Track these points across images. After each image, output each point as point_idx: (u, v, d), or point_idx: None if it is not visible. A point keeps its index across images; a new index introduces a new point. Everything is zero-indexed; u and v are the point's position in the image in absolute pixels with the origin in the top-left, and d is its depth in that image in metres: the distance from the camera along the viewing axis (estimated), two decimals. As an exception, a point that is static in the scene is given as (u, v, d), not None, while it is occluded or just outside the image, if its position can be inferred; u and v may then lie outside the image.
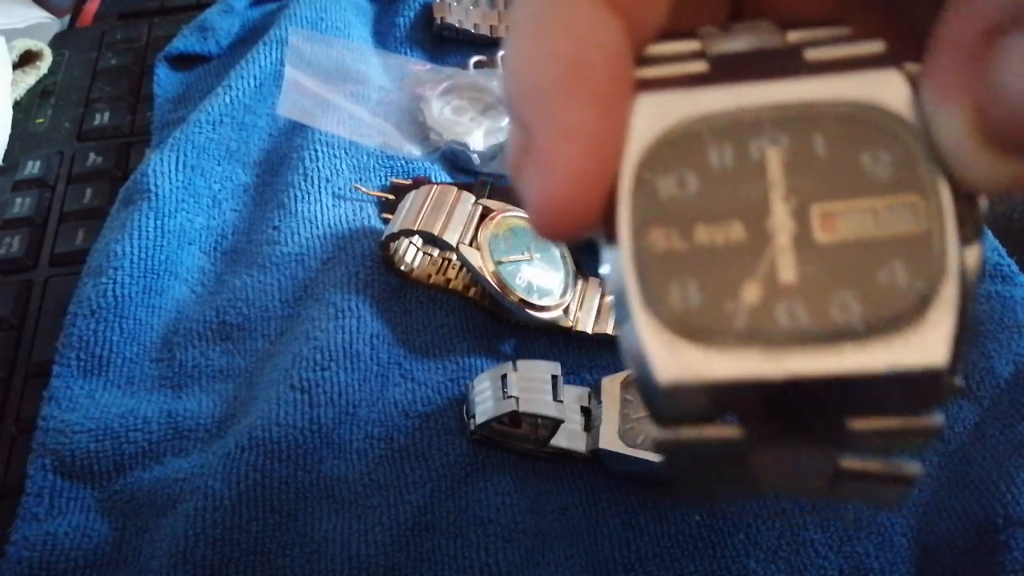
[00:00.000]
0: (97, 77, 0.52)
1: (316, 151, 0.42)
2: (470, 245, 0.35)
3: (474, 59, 0.49)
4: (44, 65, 0.53)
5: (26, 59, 0.53)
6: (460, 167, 0.44)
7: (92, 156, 0.47)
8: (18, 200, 0.44)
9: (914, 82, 0.14)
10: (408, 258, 0.39)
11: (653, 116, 0.15)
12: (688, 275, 0.14)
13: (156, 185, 0.40)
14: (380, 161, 0.43)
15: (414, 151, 0.44)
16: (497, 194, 0.40)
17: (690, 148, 0.15)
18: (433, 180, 0.42)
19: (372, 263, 0.38)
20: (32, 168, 0.46)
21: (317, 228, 0.40)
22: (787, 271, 0.14)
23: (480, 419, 0.32)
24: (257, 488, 0.31)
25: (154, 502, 0.32)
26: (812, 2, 0.17)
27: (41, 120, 0.50)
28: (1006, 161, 0.13)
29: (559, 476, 0.32)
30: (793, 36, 0.15)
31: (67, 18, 0.60)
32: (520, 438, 0.33)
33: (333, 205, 0.41)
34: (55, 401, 0.34)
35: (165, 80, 0.50)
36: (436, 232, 0.35)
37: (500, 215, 0.36)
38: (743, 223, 0.14)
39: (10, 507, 0.32)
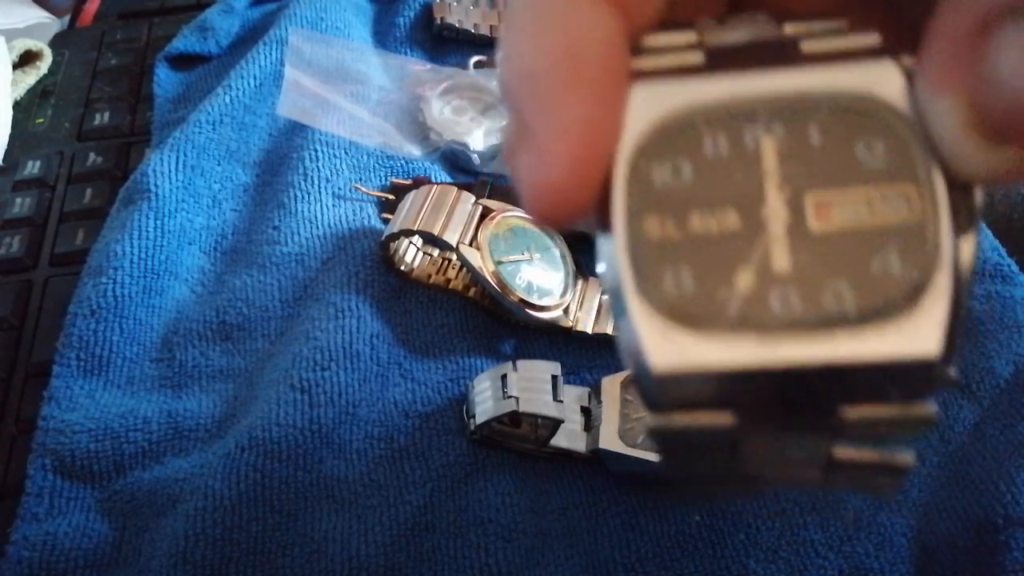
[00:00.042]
0: (97, 77, 0.52)
1: (316, 151, 0.42)
2: (470, 245, 0.35)
3: (474, 59, 0.49)
4: (44, 65, 0.53)
5: (26, 59, 0.53)
6: (460, 167, 0.44)
7: (92, 156, 0.47)
8: (18, 200, 0.44)
9: (909, 74, 0.14)
10: (408, 258, 0.39)
11: (648, 105, 0.15)
12: (682, 262, 0.14)
13: (156, 185, 0.40)
14: (380, 161, 0.43)
15: (414, 151, 0.44)
16: (497, 194, 0.40)
17: (685, 137, 0.15)
18: (433, 180, 0.42)
19: (372, 263, 0.38)
20: (32, 168, 0.46)
21: (317, 228, 0.40)
22: (781, 259, 0.14)
23: (480, 419, 0.32)
24: (257, 488, 0.31)
25: (154, 502, 0.32)
26: None
27: (41, 120, 0.50)
28: (999, 151, 0.13)
29: (559, 476, 0.32)
30: (790, 29, 0.15)
31: (67, 18, 0.60)
32: (520, 438, 0.33)
33: (333, 205, 0.41)
34: (55, 401, 0.34)
35: (165, 80, 0.50)
36: (436, 232, 0.35)
37: (500, 215, 0.36)
38: (737, 211, 0.14)
39: (10, 507, 0.32)
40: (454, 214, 0.36)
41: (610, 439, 0.31)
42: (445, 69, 0.47)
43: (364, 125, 0.44)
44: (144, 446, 0.33)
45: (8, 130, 0.49)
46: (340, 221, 0.40)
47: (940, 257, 0.14)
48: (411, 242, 0.39)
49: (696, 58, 0.15)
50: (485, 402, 0.32)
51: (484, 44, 0.50)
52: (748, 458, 0.16)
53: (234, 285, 0.38)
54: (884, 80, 0.15)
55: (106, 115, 0.49)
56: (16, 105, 0.51)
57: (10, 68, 0.50)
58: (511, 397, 0.31)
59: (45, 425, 0.33)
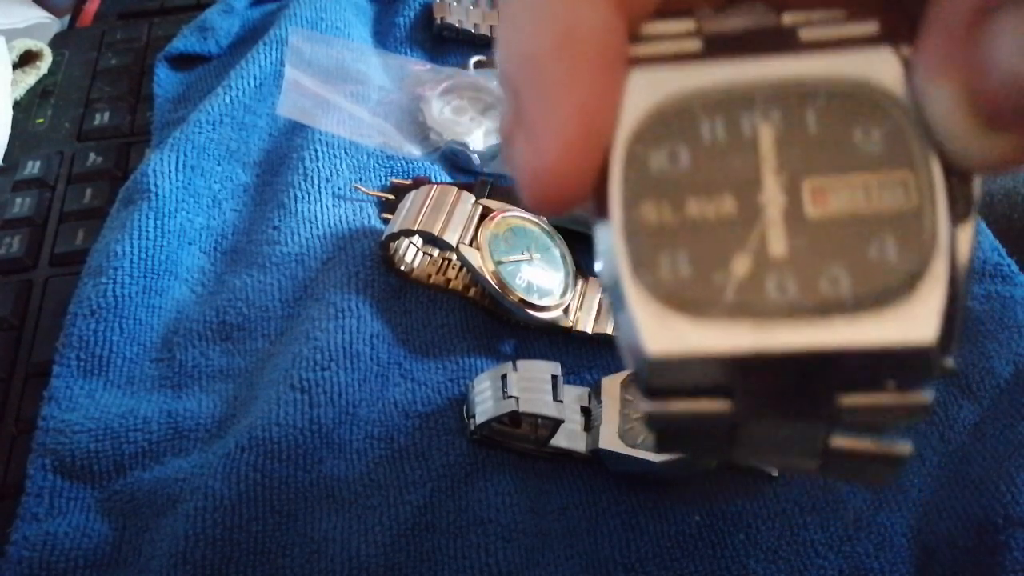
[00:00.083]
0: (97, 77, 0.52)
1: (316, 151, 0.42)
2: (470, 245, 0.35)
3: (474, 59, 0.49)
4: (44, 65, 0.53)
5: (26, 59, 0.53)
6: (460, 167, 0.44)
7: (92, 156, 0.47)
8: (18, 200, 0.44)
9: (907, 62, 0.14)
10: (408, 258, 0.39)
11: (645, 91, 0.15)
12: (679, 248, 0.14)
13: (156, 185, 0.40)
14: (380, 161, 0.43)
15: (414, 151, 0.44)
16: (497, 194, 0.40)
17: (682, 123, 0.15)
18: (433, 180, 0.42)
19: (372, 263, 0.38)
20: (32, 168, 0.46)
21: (317, 228, 0.40)
22: (777, 245, 0.14)
23: (480, 419, 0.32)
24: (257, 488, 0.31)
25: (154, 502, 0.32)
26: None
27: (41, 120, 0.50)
28: (995, 137, 0.13)
29: (559, 476, 0.32)
30: (788, 17, 0.15)
31: (67, 18, 0.60)
32: (520, 438, 0.33)
33: (333, 205, 0.41)
34: (55, 401, 0.34)
35: (165, 80, 0.50)
36: (436, 232, 0.35)
37: (500, 215, 0.36)
38: (734, 197, 0.14)
39: (10, 507, 0.32)
40: (454, 214, 0.36)
41: (610, 439, 0.31)
42: (445, 69, 0.47)
43: (364, 125, 0.44)
44: (144, 446, 0.33)
45: (8, 130, 0.49)
46: (340, 221, 0.40)
47: (937, 245, 0.14)
48: (411, 242, 0.39)
49: (694, 45, 0.15)
50: (485, 402, 0.32)
51: (484, 44, 0.50)
52: (745, 445, 0.16)
53: (234, 285, 0.38)
54: (882, 67, 0.15)
55: (106, 115, 0.49)
56: (16, 105, 0.51)
57: (10, 68, 0.50)
58: (511, 397, 0.31)
59: (45, 425, 0.33)
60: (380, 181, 0.43)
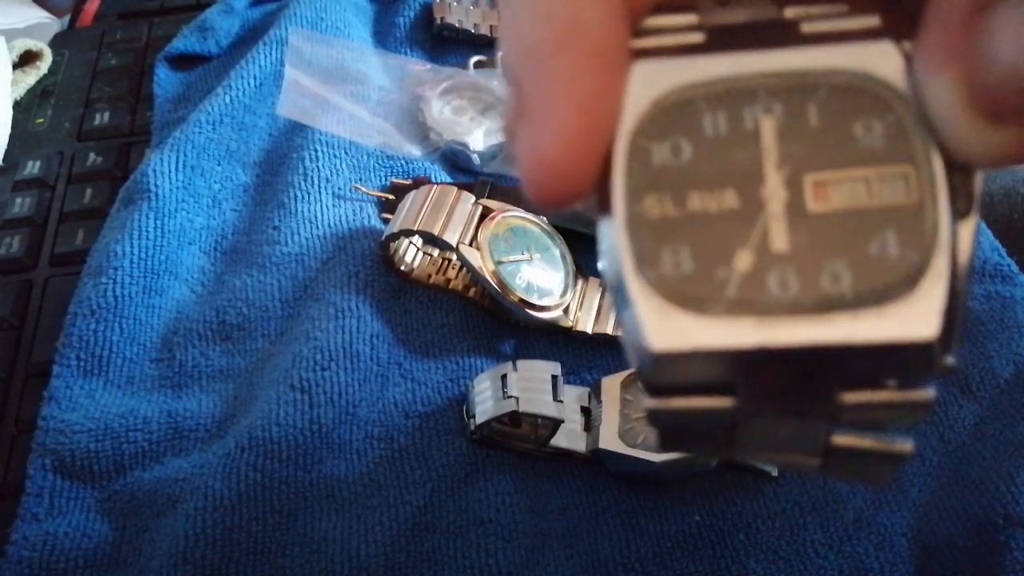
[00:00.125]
0: (97, 77, 0.52)
1: (316, 151, 0.42)
2: (470, 245, 0.35)
3: (474, 59, 0.49)
4: (44, 65, 0.53)
5: (26, 59, 0.53)
6: (460, 167, 0.44)
7: (92, 156, 0.47)
8: (18, 200, 0.44)
9: (908, 56, 0.14)
10: (408, 258, 0.39)
11: (648, 83, 0.15)
12: (681, 242, 0.14)
13: (156, 185, 0.40)
14: (380, 161, 0.43)
15: (414, 151, 0.44)
16: (497, 194, 0.40)
17: (684, 116, 0.15)
18: (433, 180, 0.42)
19: (372, 263, 0.38)
20: (32, 168, 0.46)
21: (317, 228, 0.40)
22: (779, 240, 0.14)
23: (480, 419, 0.32)
24: (257, 488, 0.31)
25: (154, 502, 0.32)
26: None
27: (41, 120, 0.50)
28: (996, 131, 0.13)
29: (559, 476, 0.32)
30: (790, 11, 0.15)
31: (67, 18, 0.60)
32: (520, 438, 0.33)
33: (333, 205, 0.41)
34: (55, 401, 0.34)
35: (165, 80, 0.50)
36: (436, 232, 0.35)
37: (500, 215, 0.36)
38: (736, 191, 0.14)
39: (10, 507, 0.32)
40: (454, 214, 0.36)
41: (610, 439, 0.31)
42: (445, 69, 0.47)
43: (364, 125, 0.44)
44: (144, 446, 0.33)
45: (8, 130, 0.49)
46: (340, 221, 0.40)
47: (938, 240, 0.14)
48: (411, 242, 0.39)
49: (696, 38, 0.15)
50: (485, 402, 0.32)
51: (484, 44, 0.50)
52: (746, 443, 0.16)
53: (234, 285, 0.38)
54: (883, 60, 0.15)
55: (106, 115, 0.49)
56: (16, 105, 0.51)
57: (10, 68, 0.50)
58: (511, 397, 0.31)
59: (45, 425, 0.33)
60: (380, 181, 0.43)
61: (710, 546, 0.30)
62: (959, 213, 0.14)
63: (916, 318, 0.13)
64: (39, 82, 0.52)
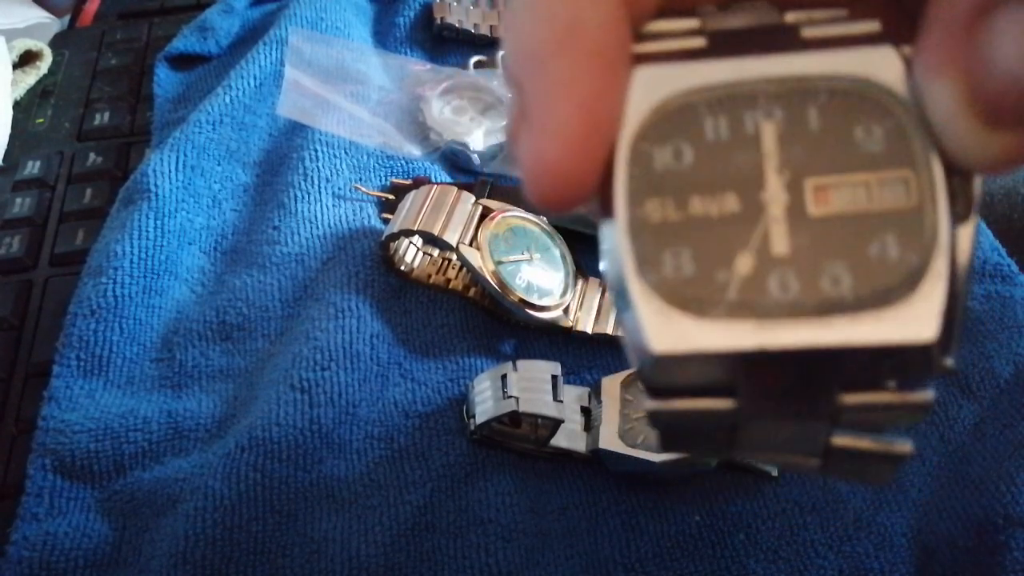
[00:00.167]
0: (97, 77, 0.52)
1: (316, 151, 0.42)
2: (470, 245, 0.35)
3: (474, 59, 0.49)
4: (44, 65, 0.53)
5: (26, 59, 0.53)
6: (460, 167, 0.44)
7: (92, 156, 0.47)
8: (18, 200, 0.44)
9: (908, 61, 0.15)
10: (408, 258, 0.39)
11: (650, 88, 0.15)
12: (682, 245, 0.14)
13: (156, 185, 0.40)
14: (380, 161, 0.43)
15: (414, 151, 0.44)
16: (497, 194, 0.40)
17: (686, 120, 0.15)
18: (433, 180, 0.42)
19: (372, 263, 0.38)
20: (32, 168, 0.46)
21: (317, 228, 0.40)
22: (780, 243, 0.14)
23: (480, 419, 0.32)
24: (257, 488, 0.31)
25: (154, 502, 0.32)
26: None
27: (41, 120, 0.50)
28: (995, 136, 0.13)
29: (559, 476, 0.32)
30: (791, 16, 0.16)
31: (67, 18, 0.60)
32: (520, 438, 0.33)
33: (333, 205, 0.41)
34: (55, 401, 0.34)
35: (165, 80, 0.50)
36: (436, 232, 0.35)
37: (500, 215, 0.36)
38: (737, 195, 0.14)
39: (10, 507, 0.32)
40: (454, 214, 0.36)
41: (610, 439, 0.31)
42: (445, 69, 0.47)
43: (364, 125, 0.44)
44: (144, 446, 0.33)
45: (8, 130, 0.49)
46: (340, 221, 0.40)
47: (937, 243, 0.14)
48: (411, 242, 0.39)
49: (698, 43, 0.15)
50: (485, 402, 0.32)
51: (484, 44, 0.50)
52: (747, 444, 0.16)
53: (234, 285, 0.38)
54: (883, 65, 0.15)
55: (106, 115, 0.49)
56: (16, 105, 0.51)
57: (10, 68, 0.50)
58: (511, 397, 0.31)
59: (45, 425, 0.33)
60: (380, 181, 0.43)
61: (710, 546, 0.30)
62: (958, 216, 0.14)
63: (915, 320, 0.13)
64: (39, 82, 0.52)
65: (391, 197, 0.41)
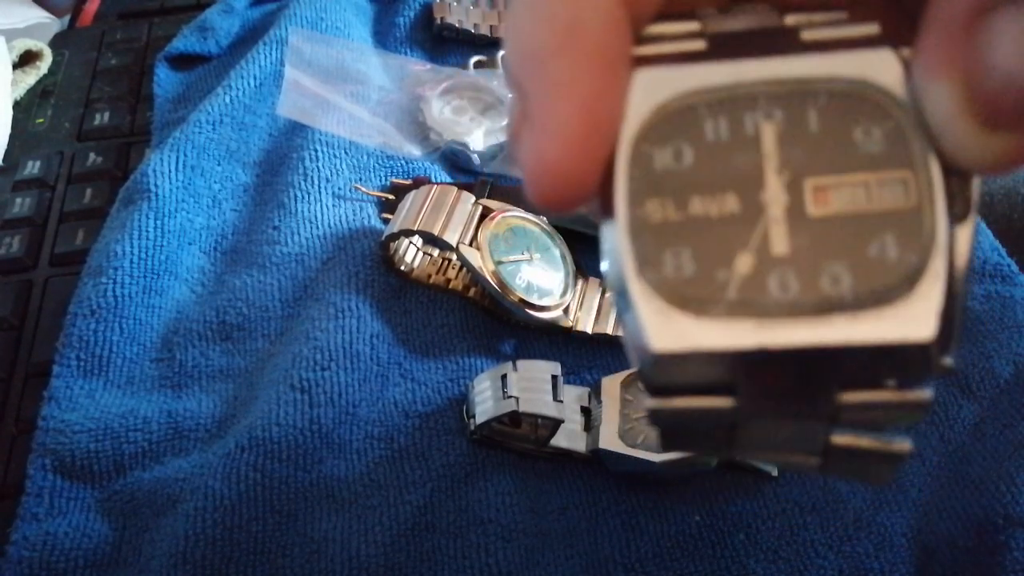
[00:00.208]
0: (97, 77, 0.52)
1: (316, 151, 0.42)
2: (470, 245, 0.35)
3: (474, 59, 0.49)
4: (44, 65, 0.53)
5: (26, 59, 0.53)
6: (460, 167, 0.44)
7: (92, 156, 0.47)
8: (18, 200, 0.44)
9: (907, 63, 0.15)
10: (408, 258, 0.39)
11: (650, 90, 0.15)
12: (682, 246, 0.14)
13: (156, 185, 0.40)
14: (380, 161, 0.43)
15: (414, 151, 0.44)
16: (497, 194, 0.40)
17: (686, 121, 0.15)
18: (433, 180, 0.42)
19: (372, 263, 0.38)
20: (32, 168, 0.46)
21: (317, 228, 0.40)
22: (780, 243, 0.14)
23: (480, 419, 0.32)
24: (257, 488, 0.31)
25: (154, 502, 0.32)
26: None
27: (41, 120, 0.50)
28: (993, 137, 0.13)
29: (559, 476, 0.32)
30: (791, 18, 0.16)
31: (67, 18, 0.60)
32: (520, 438, 0.33)
33: (333, 205, 0.41)
34: (55, 401, 0.34)
35: (165, 80, 0.50)
36: (436, 232, 0.35)
37: (500, 215, 0.36)
38: (737, 195, 0.15)
39: (10, 507, 0.32)
40: (454, 214, 0.36)
41: (610, 439, 0.31)
42: (445, 69, 0.47)
43: (364, 125, 0.44)
44: (144, 446, 0.33)
45: (8, 130, 0.49)
46: (340, 221, 0.40)
47: (936, 243, 0.14)
48: (411, 242, 0.39)
49: (698, 45, 0.16)
50: (485, 402, 0.32)
51: (484, 44, 0.50)
52: (746, 443, 0.16)
53: (234, 285, 0.38)
54: (882, 67, 0.15)
55: (106, 115, 0.49)
56: (16, 105, 0.51)
57: (10, 68, 0.50)
58: (511, 397, 0.31)
59: (45, 425, 0.33)
60: (380, 181, 0.43)
61: (710, 546, 0.30)
62: (957, 217, 0.14)
63: (914, 319, 0.13)
64: (39, 82, 0.52)
65: (391, 197, 0.41)
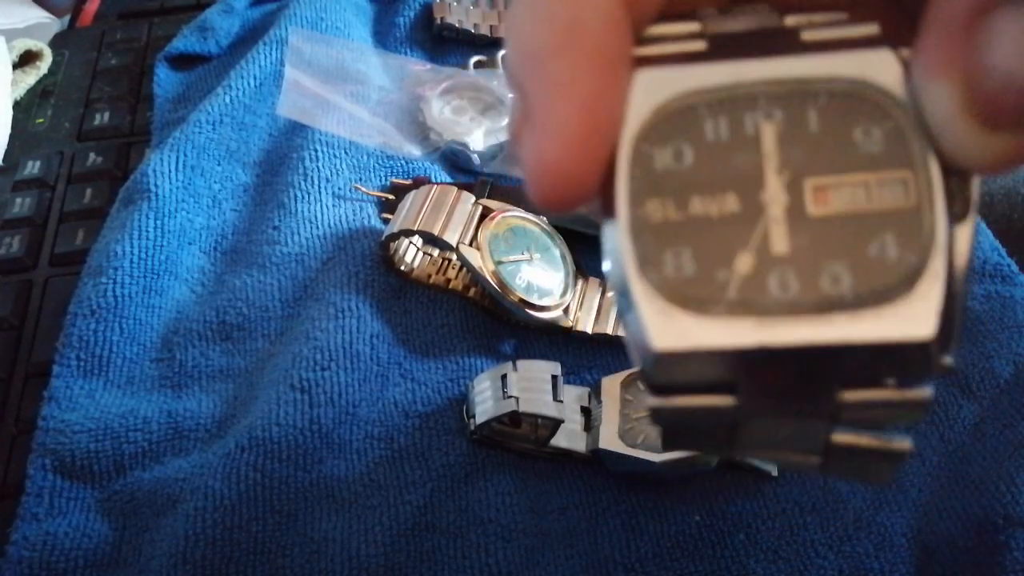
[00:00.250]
0: (97, 77, 0.52)
1: (316, 151, 0.42)
2: (470, 245, 0.35)
3: (474, 59, 0.49)
4: (44, 65, 0.53)
5: (26, 59, 0.53)
6: (460, 167, 0.44)
7: (92, 156, 0.47)
8: (18, 200, 0.44)
9: (906, 63, 0.15)
10: (408, 258, 0.39)
11: (651, 90, 0.15)
12: (683, 245, 0.15)
13: (156, 185, 0.40)
14: (380, 161, 0.43)
15: (414, 151, 0.44)
16: (497, 194, 0.40)
17: (686, 121, 0.15)
18: (433, 180, 0.42)
19: (372, 263, 0.38)
20: (32, 168, 0.46)
21: (317, 228, 0.40)
22: (780, 242, 0.14)
23: (480, 419, 0.32)
24: (257, 488, 0.31)
25: (154, 502, 0.32)
26: None
27: (41, 120, 0.50)
28: (993, 137, 0.14)
29: (559, 476, 0.32)
30: (791, 19, 0.16)
31: (67, 18, 0.60)
32: (520, 438, 0.33)
33: (333, 205, 0.41)
34: (55, 401, 0.34)
35: (165, 80, 0.50)
36: (436, 232, 0.35)
37: (500, 215, 0.36)
38: (737, 195, 0.15)
39: (10, 507, 0.32)
40: (454, 214, 0.36)
41: (610, 439, 0.31)
42: (445, 69, 0.47)
43: (364, 125, 0.44)
44: (144, 446, 0.33)
45: (8, 130, 0.49)
46: (340, 221, 0.40)
47: (935, 243, 0.14)
48: (411, 242, 0.39)
49: (698, 46, 0.16)
50: (485, 402, 0.32)
51: (484, 44, 0.50)
52: (747, 442, 0.16)
53: (234, 285, 0.38)
54: (882, 67, 0.15)
55: (106, 115, 0.49)
56: (16, 105, 0.51)
57: (10, 68, 0.50)
58: (511, 397, 0.31)
59: (45, 425, 0.33)
60: (380, 181, 0.43)
61: (710, 546, 0.30)
62: (956, 216, 0.14)
63: (914, 318, 0.14)
64: (39, 82, 0.52)
65: (391, 197, 0.41)
